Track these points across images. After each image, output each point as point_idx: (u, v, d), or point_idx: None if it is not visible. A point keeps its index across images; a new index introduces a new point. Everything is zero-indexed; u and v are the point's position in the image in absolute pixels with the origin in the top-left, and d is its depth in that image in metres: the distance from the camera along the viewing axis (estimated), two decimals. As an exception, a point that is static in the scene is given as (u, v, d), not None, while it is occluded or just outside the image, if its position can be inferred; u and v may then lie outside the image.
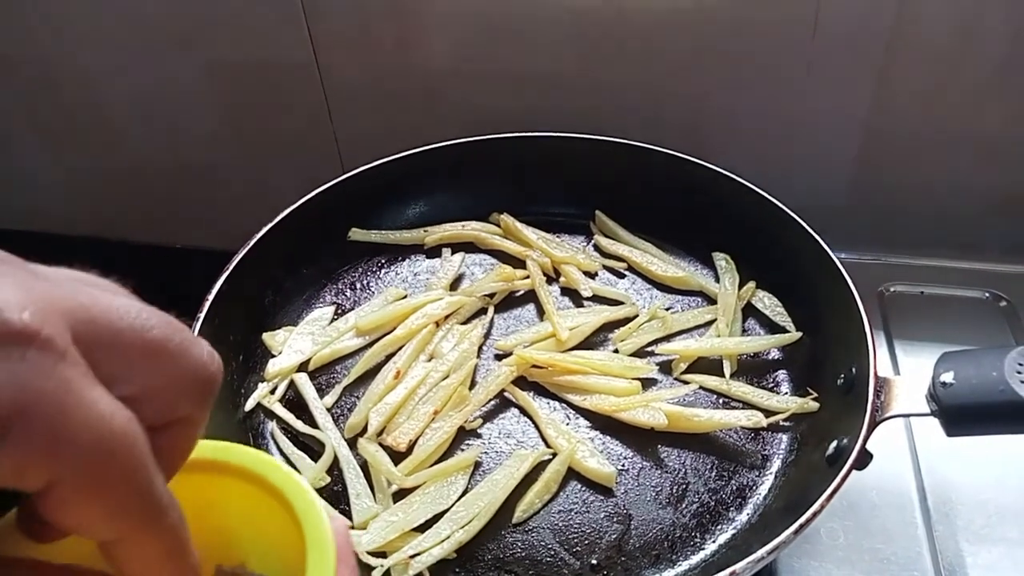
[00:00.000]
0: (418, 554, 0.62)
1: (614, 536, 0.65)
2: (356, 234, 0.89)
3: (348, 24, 0.99)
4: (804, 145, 0.99)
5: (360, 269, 0.89)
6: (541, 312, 0.83)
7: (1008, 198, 0.99)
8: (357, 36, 1.00)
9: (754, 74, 0.94)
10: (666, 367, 0.77)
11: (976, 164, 0.97)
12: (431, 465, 0.69)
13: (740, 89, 0.95)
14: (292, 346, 0.79)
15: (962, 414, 0.59)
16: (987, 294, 0.92)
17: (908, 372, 0.84)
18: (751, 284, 0.83)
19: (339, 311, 0.84)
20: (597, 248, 0.90)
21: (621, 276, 0.87)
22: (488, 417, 0.74)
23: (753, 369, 0.77)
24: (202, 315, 0.72)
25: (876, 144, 0.97)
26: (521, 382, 0.76)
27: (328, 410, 0.74)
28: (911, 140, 0.96)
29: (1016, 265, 0.95)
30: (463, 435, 0.72)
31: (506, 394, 0.75)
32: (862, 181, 1.01)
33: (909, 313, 0.91)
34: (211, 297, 0.73)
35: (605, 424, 0.73)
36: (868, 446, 0.61)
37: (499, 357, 0.79)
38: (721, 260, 0.86)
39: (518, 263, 0.87)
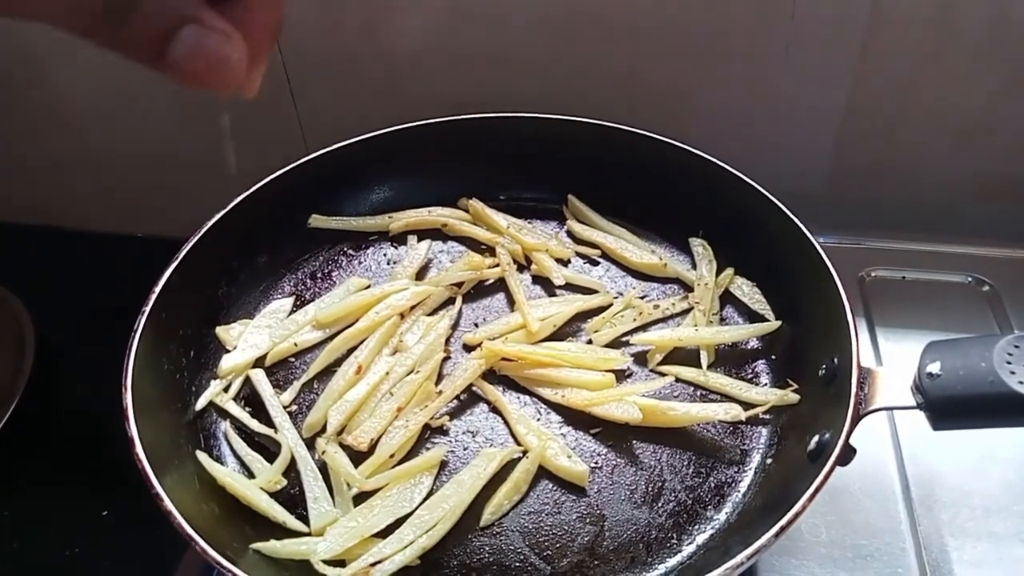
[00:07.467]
0: (379, 562, 0.59)
1: (587, 538, 0.62)
2: (316, 220, 0.85)
3: (310, 2, 0.94)
4: (782, 128, 0.96)
5: (321, 258, 0.85)
6: (511, 302, 0.79)
7: (988, 181, 0.97)
8: (320, 15, 0.95)
9: (732, 56, 0.91)
10: (641, 358, 0.74)
11: (956, 147, 0.95)
12: (394, 466, 0.65)
13: (717, 71, 0.92)
14: (248, 340, 0.75)
15: (949, 407, 0.56)
16: (969, 278, 0.90)
17: (891, 361, 0.82)
18: (729, 271, 0.80)
19: (298, 302, 0.80)
20: (570, 234, 0.87)
21: (595, 263, 0.84)
22: (455, 413, 0.71)
23: (731, 359, 0.75)
24: (147, 308, 0.67)
25: (855, 127, 0.95)
26: (490, 376, 0.73)
27: (285, 408, 0.70)
28: (891, 123, 0.94)
29: (998, 248, 0.93)
30: (428, 433, 0.69)
31: (474, 389, 0.72)
32: (842, 164, 0.99)
33: (891, 299, 0.89)
34: (158, 289, 0.69)
35: (578, 419, 0.69)
36: (851, 438, 0.58)
37: (467, 349, 0.76)
38: (698, 246, 0.83)
39: (487, 250, 0.84)
